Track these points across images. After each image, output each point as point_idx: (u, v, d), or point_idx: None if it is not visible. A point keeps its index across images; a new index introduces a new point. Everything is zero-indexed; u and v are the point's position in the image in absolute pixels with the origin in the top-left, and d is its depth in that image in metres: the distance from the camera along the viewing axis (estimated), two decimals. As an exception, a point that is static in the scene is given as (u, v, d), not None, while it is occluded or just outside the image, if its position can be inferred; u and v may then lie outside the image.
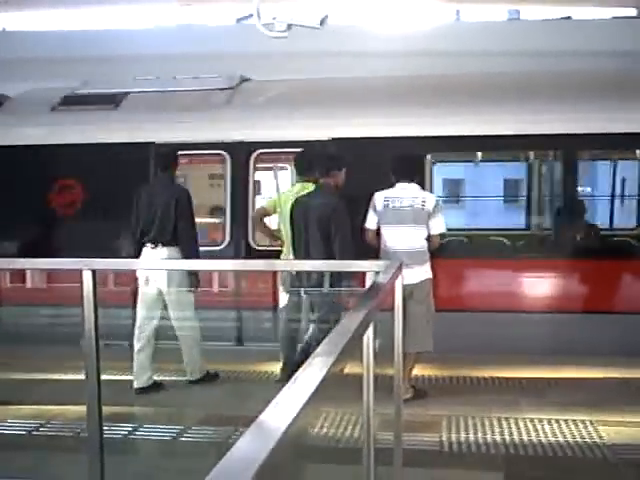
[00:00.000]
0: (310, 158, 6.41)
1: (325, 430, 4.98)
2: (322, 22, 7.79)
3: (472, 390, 6.06)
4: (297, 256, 5.96)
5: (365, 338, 2.50)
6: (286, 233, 6.27)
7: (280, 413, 1.32)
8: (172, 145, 6.84)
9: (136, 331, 6.07)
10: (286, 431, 1.23)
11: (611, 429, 4.98)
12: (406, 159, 6.13)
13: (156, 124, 7.79)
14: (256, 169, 7.78)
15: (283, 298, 6.48)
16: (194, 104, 8.05)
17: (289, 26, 7.64)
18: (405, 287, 5.44)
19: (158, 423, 5.19)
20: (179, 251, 6.03)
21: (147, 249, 6.09)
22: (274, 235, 6.76)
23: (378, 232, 5.94)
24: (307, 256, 5.85)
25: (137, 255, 6.10)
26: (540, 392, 5.97)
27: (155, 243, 6.05)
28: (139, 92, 8.28)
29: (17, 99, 8.65)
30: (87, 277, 3.66)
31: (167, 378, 6.34)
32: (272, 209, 6.49)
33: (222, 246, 7.65)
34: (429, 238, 5.84)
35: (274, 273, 6.70)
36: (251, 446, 1.16)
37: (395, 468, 3.75)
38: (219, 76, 8.32)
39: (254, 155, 7.66)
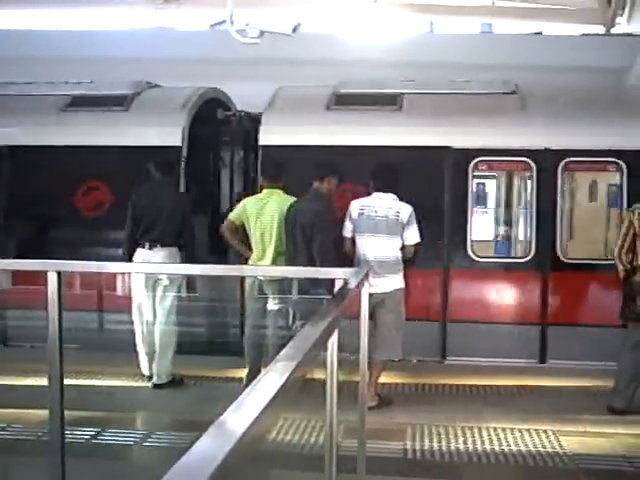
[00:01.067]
0: (278, 165, 6.48)
1: (289, 436, 4.98)
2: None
3: (437, 398, 6.10)
4: (287, 261, 5.98)
5: (329, 344, 2.51)
6: (255, 241, 6.27)
7: (240, 415, 1.32)
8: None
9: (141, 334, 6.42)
10: (245, 433, 1.24)
11: (572, 439, 5.04)
12: (385, 169, 6.17)
13: (450, 128, 7.45)
14: (564, 178, 7.34)
15: (249, 305, 6.45)
16: (486, 108, 7.71)
17: (261, 33, 7.65)
18: (377, 296, 5.56)
19: (121, 427, 5.15)
20: (177, 252, 6.35)
21: (143, 250, 6.31)
22: (245, 247, 6.65)
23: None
24: (293, 261, 5.86)
25: (130, 255, 6.34)
26: (503, 401, 6.02)
27: (155, 244, 6.29)
28: (414, 93, 7.95)
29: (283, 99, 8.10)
30: (52, 279, 3.62)
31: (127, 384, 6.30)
32: (238, 219, 6.42)
33: (526, 258, 7.36)
34: (403, 248, 5.89)
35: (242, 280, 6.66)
36: (209, 447, 1.17)
37: (359, 475, 3.76)
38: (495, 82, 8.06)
39: (562, 164, 7.26)
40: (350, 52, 10.19)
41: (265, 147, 7.42)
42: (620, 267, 5.66)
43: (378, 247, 5.83)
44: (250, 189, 7.45)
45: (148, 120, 7.82)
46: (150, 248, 6.30)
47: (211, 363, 7.09)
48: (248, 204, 6.38)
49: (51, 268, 3.61)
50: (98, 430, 5.03)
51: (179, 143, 7.54)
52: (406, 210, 5.86)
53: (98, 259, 6.30)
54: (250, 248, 6.37)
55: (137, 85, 8.40)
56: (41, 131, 7.87)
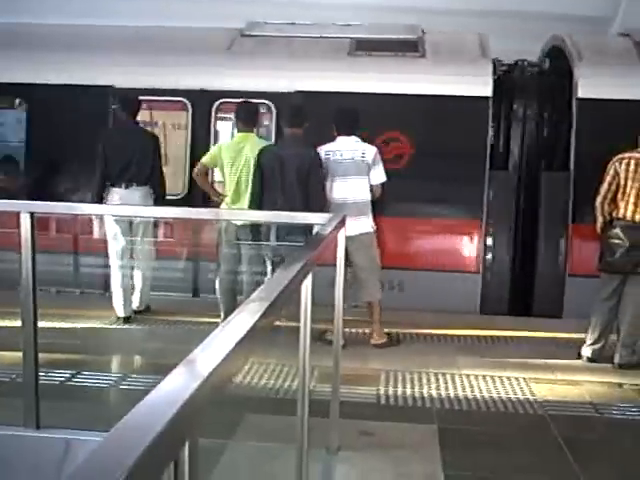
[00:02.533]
0: (251, 110, 6.41)
1: (264, 381, 5.04)
2: None
3: (412, 346, 6.16)
4: (266, 206, 5.87)
5: (303, 288, 2.51)
6: (230, 185, 6.23)
7: (208, 354, 1.32)
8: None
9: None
10: (213, 372, 1.23)
11: (543, 386, 5.14)
12: (346, 112, 6.18)
13: None
14: None
15: (222, 249, 6.42)
16: None
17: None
18: (349, 238, 5.62)
19: (96, 370, 5.17)
20: (149, 190, 6.54)
21: (119, 189, 6.46)
22: (216, 190, 6.66)
23: None
24: (283, 207, 5.76)
25: (101, 197, 6.47)
26: (476, 349, 6.11)
27: (131, 183, 6.45)
28: None
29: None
30: (25, 220, 3.58)
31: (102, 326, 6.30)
32: (212, 163, 6.39)
33: None
34: (371, 189, 5.97)
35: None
36: (176, 385, 1.16)
37: (331, 419, 3.82)
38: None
39: None
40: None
41: (586, 100, 7.09)
42: (600, 218, 5.68)
43: (348, 189, 5.92)
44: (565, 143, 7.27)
45: (451, 68, 7.45)
46: (126, 187, 6.45)
47: (188, 305, 7.13)
48: (223, 148, 6.33)
49: (23, 209, 3.57)
50: (73, 372, 5.05)
51: (488, 93, 7.21)
52: (371, 150, 5.96)
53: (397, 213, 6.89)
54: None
55: (415, 29, 7.98)
56: (330, 76, 7.43)
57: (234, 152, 6.22)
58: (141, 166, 6.48)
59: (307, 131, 6.05)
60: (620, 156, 5.58)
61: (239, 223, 6.12)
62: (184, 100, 7.44)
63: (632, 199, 5.49)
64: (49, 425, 3.58)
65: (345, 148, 5.95)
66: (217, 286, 6.31)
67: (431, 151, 7.23)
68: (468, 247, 7.48)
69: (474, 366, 5.57)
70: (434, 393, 4.95)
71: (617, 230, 5.58)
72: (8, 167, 8.16)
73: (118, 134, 6.72)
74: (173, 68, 7.50)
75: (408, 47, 7.70)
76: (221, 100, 7.36)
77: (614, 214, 5.62)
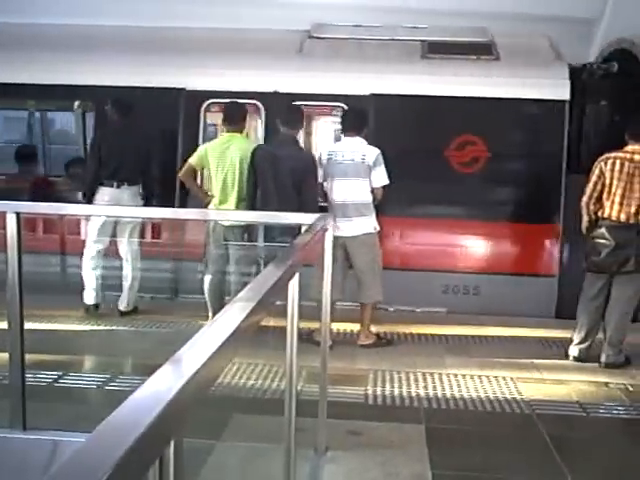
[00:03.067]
0: (238, 110, 6.42)
1: (252, 381, 5.03)
2: None
3: (399, 346, 6.17)
4: (261, 206, 5.88)
5: (290, 287, 2.51)
6: (217, 186, 6.22)
7: (194, 353, 1.31)
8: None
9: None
10: (198, 371, 1.23)
11: (530, 385, 5.16)
12: (353, 113, 6.25)
13: None
14: None
15: (210, 250, 6.39)
16: None
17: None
18: (347, 239, 5.82)
19: (83, 371, 5.15)
20: (138, 190, 6.67)
21: (110, 189, 6.51)
22: (204, 191, 6.65)
23: None
24: (275, 207, 5.74)
25: (92, 194, 6.52)
26: (465, 349, 6.13)
27: (122, 183, 6.54)
28: None
29: None
30: (11, 220, 3.56)
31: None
32: (199, 164, 6.37)
33: None
34: (372, 191, 5.97)
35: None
36: (161, 384, 1.15)
37: (319, 419, 3.82)
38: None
39: None
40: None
41: None
42: (585, 218, 5.70)
43: (347, 190, 5.92)
44: None
45: (528, 71, 7.41)
46: (118, 187, 6.54)
47: (176, 306, 7.12)
48: (209, 149, 6.32)
49: (9, 209, 3.55)
50: (59, 374, 5.02)
51: (566, 97, 7.20)
52: (372, 153, 5.94)
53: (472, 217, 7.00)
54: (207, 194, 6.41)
55: (485, 32, 7.92)
56: (406, 79, 7.40)
57: (220, 152, 6.21)
58: (134, 166, 6.58)
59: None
60: (606, 156, 5.60)
61: (226, 224, 6.11)
62: (257, 103, 7.38)
63: (617, 199, 5.52)
64: (36, 426, 3.57)
65: (347, 149, 5.97)
66: (205, 286, 6.30)
67: (507, 155, 7.29)
68: (545, 251, 7.53)
69: (462, 366, 5.58)
70: (422, 393, 4.96)
71: (603, 230, 5.61)
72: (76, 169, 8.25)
73: (113, 134, 6.74)
74: (246, 71, 7.47)
75: (482, 50, 7.68)
76: (297, 103, 7.25)
77: (599, 214, 5.64)
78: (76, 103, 8.68)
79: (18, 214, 3.56)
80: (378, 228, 6.05)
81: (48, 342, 5.57)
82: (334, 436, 3.98)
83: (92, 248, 6.57)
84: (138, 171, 6.63)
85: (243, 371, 5.18)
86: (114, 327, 6.41)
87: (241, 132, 6.38)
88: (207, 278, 6.31)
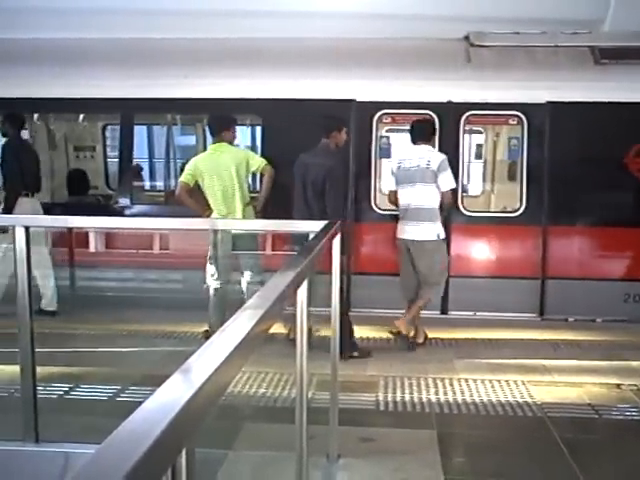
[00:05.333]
0: (222, 119, 6.45)
1: (263, 390, 5.03)
2: None
3: (408, 350, 6.16)
4: (296, 215, 5.96)
5: (299, 295, 2.51)
6: (216, 197, 6.24)
7: (203, 363, 1.31)
8: None
9: None
10: (208, 380, 1.23)
11: (541, 389, 5.14)
12: (421, 123, 6.49)
13: None
14: None
15: (215, 261, 6.34)
16: None
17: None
18: (413, 242, 6.17)
19: (94, 383, 5.15)
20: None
21: (29, 199, 6.95)
22: (202, 206, 6.57)
23: None
24: (306, 216, 5.87)
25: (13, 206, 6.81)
26: (474, 353, 6.11)
27: (33, 193, 7.06)
28: None
29: None
30: (20, 234, 3.58)
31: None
32: (192, 180, 6.32)
33: None
34: (441, 195, 6.20)
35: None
36: (171, 393, 1.16)
37: (331, 426, 3.81)
38: None
39: None
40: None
41: None
42: None
43: (414, 196, 6.19)
44: None
45: None
46: (33, 196, 7.02)
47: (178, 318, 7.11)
48: (199, 162, 6.33)
49: (18, 223, 3.56)
50: (71, 386, 5.03)
51: None
52: (437, 158, 6.20)
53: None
54: (208, 206, 6.34)
55: None
56: (582, 86, 7.30)
57: (211, 163, 6.24)
58: (39, 177, 7.27)
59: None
60: None
61: (235, 232, 6.12)
62: (430, 113, 7.29)
63: None
64: (48, 439, 3.57)
65: (415, 156, 6.24)
66: (210, 295, 6.28)
67: None
68: None
69: (472, 370, 5.57)
70: (433, 398, 4.95)
71: None
72: None
73: (24, 147, 7.30)
74: (419, 81, 7.41)
75: None
76: (470, 112, 7.25)
77: None
78: (248, 117, 8.73)
79: (27, 228, 3.58)
80: (443, 236, 6.25)
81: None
82: (346, 443, 3.97)
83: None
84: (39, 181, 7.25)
85: (253, 379, 5.18)
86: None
87: (229, 142, 6.38)
88: (213, 287, 6.30)
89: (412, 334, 6.29)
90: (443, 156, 6.25)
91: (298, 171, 6.06)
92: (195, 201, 6.36)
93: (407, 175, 6.21)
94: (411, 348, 6.21)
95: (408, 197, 6.22)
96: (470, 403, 4.87)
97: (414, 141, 6.32)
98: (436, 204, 6.19)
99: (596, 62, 7.50)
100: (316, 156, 6.04)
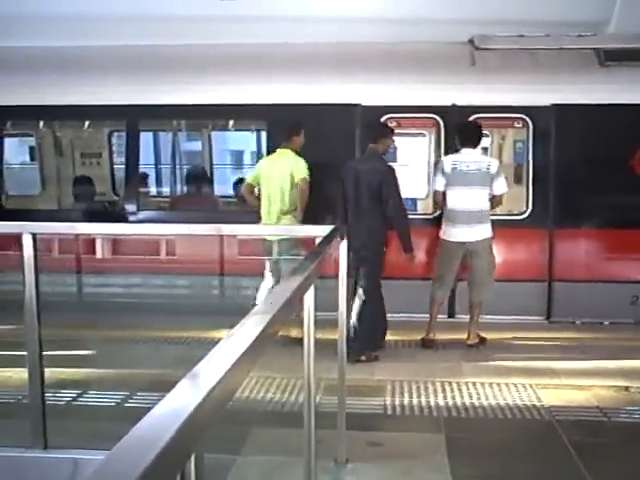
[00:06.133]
0: (293, 125, 6.53)
1: (272, 394, 5.03)
2: None
3: (416, 354, 6.16)
4: (349, 220, 6.11)
5: (306, 300, 2.52)
6: (264, 200, 6.39)
7: (211, 368, 1.32)
8: None
9: None
10: (216, 386, 1.24)
11: (549, 392, 5.13)
12: (472, 126, 6.58)
13: None
14: None
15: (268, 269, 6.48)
16: None
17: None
18: (468, 244, 6.29)
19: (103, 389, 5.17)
20: None
21: None
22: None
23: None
24: (359, 221, 6.03)
25: None
26: (482, 356, 6.11)
27: None
28: None
29: None
30: (27, 241, 3.60)
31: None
32: (255, 181, 6.54)
33: None
34: (492, 199, 6.37)
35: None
36: (179, 399, 1.16)
37: (339, 431, 3.82)
38: None
39: None
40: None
41: None
42: None
43: (471, 198, 6.30)
44: None
45: None
46: None
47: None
48: (262, 165, 6.55)
49: (25, 230, 3.58)
50: (79, 392, 5.05)
51: None
52: (495, 163, 6.41)
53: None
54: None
55: None
56: (588, 89, 7.32)
57: (268, 168, 6.41)
58: None
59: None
60: None
61: (273, 238, 6.27)
62: (435, 117, 7.36)
63: None
64: (56, 445, 3.58)
65: (472, 160, 6.34)
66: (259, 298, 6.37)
67: None
68: None
69: (480, 373, 5.56)
70: (441, 402, 4.95)
71: None
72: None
73: None
74: (424, 85, 7.41)
75: None
76: (475, 116, 7.15)
77: None
78: (253, 122, 8.84)
79: (34, 235, 3.59)
80: (492, 234, 6.38)
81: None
82: (354, 447, 3.97)
83: None
84: None
85: (261, 384, 5.18)
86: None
87: (296, 148, 6.44)
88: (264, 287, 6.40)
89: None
90: (498, 161, 6.56)
91: (349, 176, 6.16)
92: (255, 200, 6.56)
93: (465, 178, 6.29)
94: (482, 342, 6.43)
95: (465, 200, 6.30)
96: (478, 406, 4.86)
97: (464, 144, 6.39)
98: (488, 206, 6.35)
99: (601, 64, 7.49)
100: (367, 161, 6.20)
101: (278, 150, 6.47)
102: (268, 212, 6.38)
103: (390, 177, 6.05)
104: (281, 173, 6.30)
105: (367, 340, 5.97)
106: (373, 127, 6.44)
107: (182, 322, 6.72)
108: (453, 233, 6.37)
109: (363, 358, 5.87)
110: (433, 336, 6.44)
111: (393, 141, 6.52)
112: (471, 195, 6.29)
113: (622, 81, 7.28)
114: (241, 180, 8.96)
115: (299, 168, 6.32)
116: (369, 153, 6.26)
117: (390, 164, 6.26)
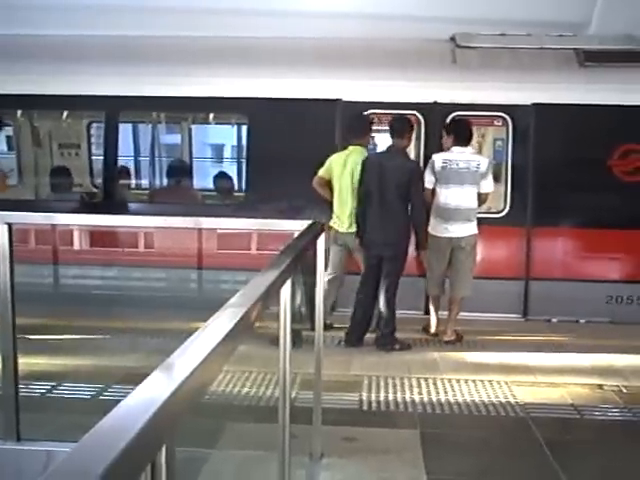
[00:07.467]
0: (363, 121, 6.73)
1: (247, 389, 5.03)
2: None
3: (393, 352, 6.17)
4: (369, 214, 6.19)
5: (282, 294, 2.51)
6: (339, 191, 6.48)
7: (184, 360, 1.31)
8: None
9: None
10: (188, 377, 1.23)
11: (524, 389, 5.17)
12: (464, 125, 6.57)
13: None
14: None
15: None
16: None
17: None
18: (455, 240, 6.36)
19: (78, 381, 5.13)
20: None
21: None
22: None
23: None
24: (383, 218, 6.11)
25: None
26: (459, 352, 6.14)
27: None
28: None
29: None
30: (2, 231, 3.55)
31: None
32: (327, 174, 6.58)
33: None
34: (479, 196, 6.44)
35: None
36: (150, 390, 1.15)
37: (314, 426, 3.82)
38: None
39: None
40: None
41: None
42: None
43: (461, 196, 6.36)
44: None
45: None
46: None
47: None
48: (333, 160, 6.58)
49: (1, 220, 3.54)
50: (53, 384, 5.01)
51: None
52: (484, 162, 6.45)
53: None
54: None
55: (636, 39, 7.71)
56: (568, 88, 7.33)
57: (341, 165, 6.47)
58: None
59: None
60: None
61: (342, 230, 6.45)
62: (416, 113, 7.30)
63: None
64: (30, 437, 3.55)
65: (462, 158, 6.38)
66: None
67: None
68: None
69: (456, 370, 5.59)
70: (416, 398, 4.96)
71: None
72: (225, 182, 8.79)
73: None
74: (405, 82, 7.42)
75: (637, 58, 7.55)
76: (455, 113, 7.18)
77: None
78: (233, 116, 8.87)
79: (10, 225, 3.55)
80: (477, 231, 6.46)
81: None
82: (329, 442, 3.97)
83: None
84: None
85: (237, 378, 5.17)
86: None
87: (364, 145, 6.59)
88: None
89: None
90: (488, 159, 6.59)
91: (372, 171, 6.18)
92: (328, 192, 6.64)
93: (456, 176, 6.34)
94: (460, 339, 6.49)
95: (455, 197, 6.35)
96: (453, 403, 4.89)
97: (456, 142, 6.41)
98: (476, 204, 6.44)
99: (580, 64, 7.55)
100: (394, 158, 6.19)
101: (350, 146, 6.55)
102: (340, 207, 6.52)
103: (419, 175, 6.22)
104: (350, 170, 6.40)
105: (393, 330, 6.20)
106: (398, 122, 6.42)
107: (161, 315, 6.69)
108: (441, 229, 6.41)
109: (397, 347, 6.16)
110: (435, 330, 6.63)
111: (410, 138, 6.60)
112: (461, 193, 6.35)
113: (601, 82, 7.34)
114: (222, 174, 9.14)
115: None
116: (395, 149, 6.27)
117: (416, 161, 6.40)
